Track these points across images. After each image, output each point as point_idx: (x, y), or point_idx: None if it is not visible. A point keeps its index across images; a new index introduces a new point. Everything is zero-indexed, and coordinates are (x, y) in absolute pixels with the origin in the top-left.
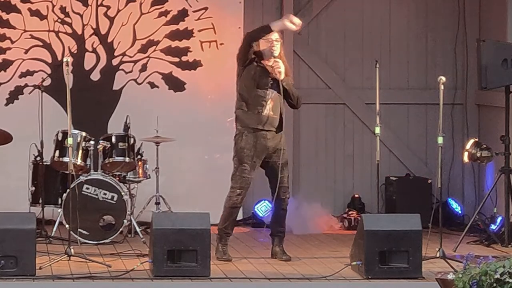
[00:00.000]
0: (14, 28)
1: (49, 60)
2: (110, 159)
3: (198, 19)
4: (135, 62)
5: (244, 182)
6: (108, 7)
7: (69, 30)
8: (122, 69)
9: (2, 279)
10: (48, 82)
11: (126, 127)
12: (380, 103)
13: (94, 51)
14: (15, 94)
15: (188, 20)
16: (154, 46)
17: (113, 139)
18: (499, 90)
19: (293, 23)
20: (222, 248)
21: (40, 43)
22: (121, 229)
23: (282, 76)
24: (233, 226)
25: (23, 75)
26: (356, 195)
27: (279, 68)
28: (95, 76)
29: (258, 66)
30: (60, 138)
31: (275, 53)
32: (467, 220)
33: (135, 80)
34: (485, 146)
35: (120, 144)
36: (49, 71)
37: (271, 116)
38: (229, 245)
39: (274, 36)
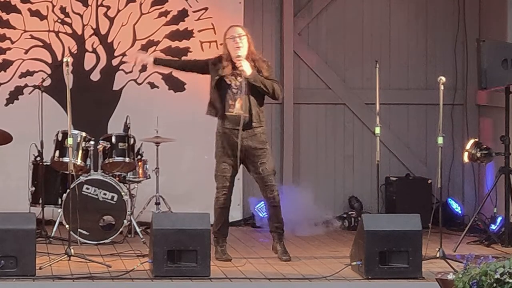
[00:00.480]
0: (14, 28)
1: (49, 60)
2: (110, 159)
3: (198, 19)
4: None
5: (226, 181)
6: (108, 7)
7: (69, 30)
8: (122, 69)
9: (2, 279)
10: (48, 82)
11: (126, 127)
12: (380, 103)
13: (94, 51)
14: (15, 94)
15: (188, 21)
16: (154, 46)
17: (113, 139)
18: (499, 90)
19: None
20: (220, 249)
21: (40, 43)
22: (121, 229)
23: (248, 73)
24: (227, 226)
25: (23, 75)
26: (356, 195)
27: (242, 66)
28: (95, 76)
29: (218, 69)
30: (60, 138)
31: (240, 51)
32: (467, 220)
33: (135, 80)
34: (485, 146)
35: (120, 144)
36: (49, 71)
37: (241, 115)
38: (228, 244)
39: (237, 31)
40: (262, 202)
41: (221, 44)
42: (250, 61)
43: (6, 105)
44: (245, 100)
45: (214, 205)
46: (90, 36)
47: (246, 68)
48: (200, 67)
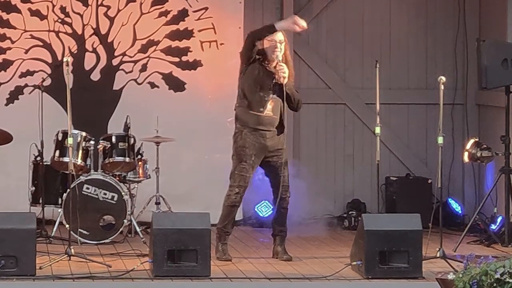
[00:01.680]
0: (14, 28)
1: (49, 60)
2: (110, 159)
3: (198, 19)
4: (135, 62)
5: (243, 181)
6: (108, 7)
7: (69, 30)
8: (122, 69)
9: (2, 279)
10: (48, 82)
11: (126, 127)
12: (380, 103)
13: (94, 51)
14: (15, 94)
15: (188, 20)
16: (154, 46)
17: (113, 139)
18: (499, 90)
19: (298, 24)
20: (222, 248)
21: (40, 43)
22: (121, 229)
23: (286, 81)
24: (232, 225)
25: (23, 75)
26: (356, 195)
27: (284, 73)
28: (95, 76)
29: (261, 66)
30: (60, 138)
31: (277, 55)
32: (467, 220)
33: (135, 80)
34: (485, 146)
35: (120, 144)
36: (49, 71)
37: (271, 117)
38: (229, 244)
39: (278, 37)
40: (263, 201)
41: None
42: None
43: (6, 105)
44: (276, 103)
45: (224, 202)
46: (90, 36)
47: (286, 74)
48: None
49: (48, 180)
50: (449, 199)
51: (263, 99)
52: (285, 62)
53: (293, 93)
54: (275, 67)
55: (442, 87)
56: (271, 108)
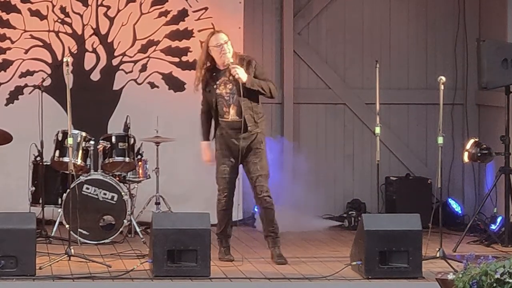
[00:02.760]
0: (14, 28)
1: (49, 60)
2: (110, 159)
3: (198, 19)
4: (135, 62)
5: (226, 183)
6: (108, 7)
7: (69, 30)
8: (122, 69)
9: (2, 279)
10: (48, 82)
11: (126, 127)
12: (380, 103)
13: (94, 51)
14: (15, 94)
15: (188, 20)
16: (154, 46)
17: (113, 139)
18: (499, 90)
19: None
20: (223, 249)
21: (40, 43)
22: (121, 229)
23: (244, 79)
24: (230, 228)
25: (23, 75)
26: (356, 195)
27: (237, 74)
28: (95, 76)
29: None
30: (60, 138)
31: (227, 57)
32: (467, 220)
33: (135, 80)
34: (485, 146)
35: (120, 144)
36: (49, 71)
37: (236, 121)
38: (231, 246)
39: (221, 38)
40: None
41: (206, 52)
42: (240, 64)
43: (6, 105)
44: (237, 106)
45: (216, 207)
46: (90, 36)
47: (242, 75)
48: (210, 102)
49: (48, 180)
50: (449, 199)
51: (223, 107)
52: (237, 58)
53: (258, 84)
54: (229, 71)
55: (442, 87)
56: (233, 112)
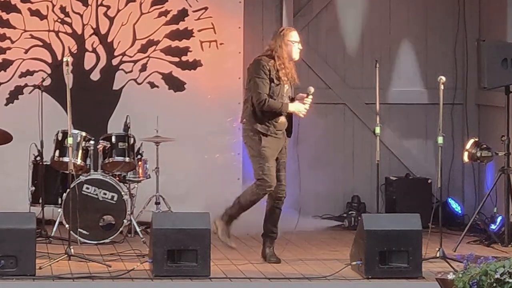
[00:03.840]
0: (14, 28)
1: (49, 60)
2: (110, 159)
3: (198, 19)
4: (135, 62)
5: (273, 180)
6: (108, 7)
7: (69, 30)
8: (122, 69)
9: (2, 279)
10: (48, 82)
11: (126, 127)
12: (380, 103)
13: (94, 51)
14: (15, 94)
15: (188, 20)
16: (154, 46)
17: (113, 139)
18: (499, 90)
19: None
20: (227, 228)
21: (40, 43)
22: (121, 229)
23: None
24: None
25: (23, 75)
26: (356, 195)
27: (303, 111)
28: (95, 76)
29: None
30: (60, 138)
31: (294, 55)
32: (467, 220)
33: (135, 80)
34: (485, 146)
35: (120, 144)
36: (49, 71)
37: (284, 123)
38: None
39: (296, 37)
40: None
41: (274, 44)
42: (293, 68)
43: (6, 105)
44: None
45: (248, 196)
46: (90, 35)
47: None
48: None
49: (48, 180)
50: (449, 199)
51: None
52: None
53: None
54: (297, 107)
55: (442, 87)
56: (285, 114)
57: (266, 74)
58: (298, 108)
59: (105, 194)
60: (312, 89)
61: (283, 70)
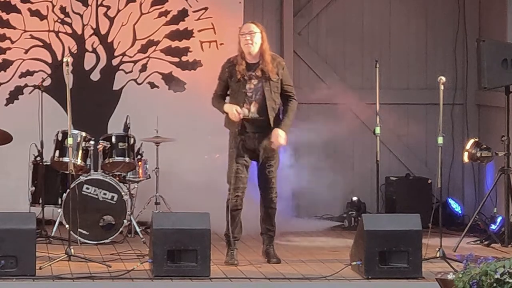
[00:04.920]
0: (14, 28)
1: (49, 60)
2: (110, 159)
3: (198, 19)
4: (135, 62)
5: (240, 182)
6: (108, 7)
7: (69, 30)
8: (122, 69)
9: (2, 279)
10: (48, 82)
11: (126, 127)
12: (380, 103)
13: (94, 51)
14: (15, 94)
15: (188, 20)
16: (154, 46)
17: (113, 139)
18: (499, 90)
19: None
20: (230, 253)
21: (40, 43)
22: (121, 229)
23: (284, 140)
24: (240, 229)
25: (23, 75)
26: (356, 195)
27: (280, 144)
28: (95, 76)
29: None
30: (60, 138)
31: (249, 48)
32: (467, 220)
33: (135, 80)
34: (485, 146)
35: (120, 144)
36: (49, 71)
37: (256, 119)
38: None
39: (250, 28)
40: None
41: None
42: (263, 62)
43: (6, 105)
44: (261, 103)
45: (226, 208)
46: (90, 36)
47: (283, 140)
48: (226, 88)
49: (48, 180)
50: (449, 199)
51: (245, 101)
52: (264, 54)
53: (290, 125)
54: (270, 141)
55: (442, 87)
56: (255, 110)
57: (222, 73)
58: (230, 109)
59: (105, 194)
60: (246, 111)
61: (237, 65)
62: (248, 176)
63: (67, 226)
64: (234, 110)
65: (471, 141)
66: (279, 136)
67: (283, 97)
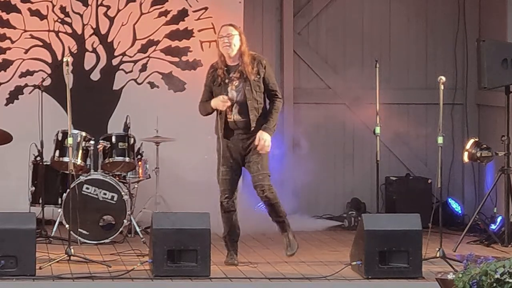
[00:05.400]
0: (14, 28)
1: (49, 60)
2: (110, 159)
3: (198, 19)
4: (135, 62)
5: (227, 184)
6: (108, 7)
7: (69, 30)
8: (122, 69)
9: (2, 279)
10: (48, 82)
11: (126, 127)
12: (380, 103)
13: (94, 51)
14: (15, 94)
15: (188, 20)
16: (154, 46)
17: (113, 139)
18: (499, 90)
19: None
20: (230, 254)
21: (40, 43)
22: (121, 229)
23: (269, 144)
24: (237, 230)
25: (23, 75)
26: (356, 195)
27: (266, 147)
28: (95, 76)
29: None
30: (60, 138)
31: (228, 50)
32: (467, 220)
33: (135, 80)
34: (485, 146)
35: (120, 144)
36: (49, 71)
37: (239, 121)
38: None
39: (227, 30)
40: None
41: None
42: (242, 64)
43: (6, 105)
44: (242, 104)
45: (220, 211)
46: (90, 35)
47: (268, 144)
48: (211, 93)
49: (48, 180)
50: (449, 199)
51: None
52: (243, 56)
53: (274, 124)
54: (257, 144)
55: (442, 87)
56: (236, 111)
57: (206, 79)
58: (216, 101)
59: (105, 194)
60: (234, 93)
61: (218, 69)
62: (238, 177)
63: (67, 226)
64: (220, 99)
65: (471, 141)
66: (264, 140)
67: (268, 96)
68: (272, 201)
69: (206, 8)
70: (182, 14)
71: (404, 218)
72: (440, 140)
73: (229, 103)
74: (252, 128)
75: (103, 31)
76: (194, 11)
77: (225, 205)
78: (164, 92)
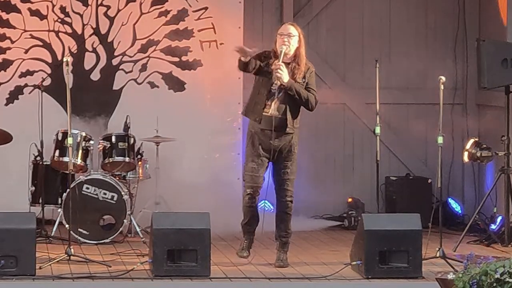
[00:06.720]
0: (14, 28)
1: (49, 60)
2: (110, 159)
3: (198, 19)
4: (135, 62)
5: (253, 181)
6: (108, 7)
7: (69, 30)
8: (122, 69)
9: (2, 279)
10: (48, 82)
11: (126, 127)
12: (380, 103)
13: (94, 51)
14: (15, 94)
15: (188, 20)
16: (154, 46)
17: (113, 139)
18: (499, 90)
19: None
20: (244, 243)
21: (40, 43)
22: (121, 229)
23: (285, 80)
24: (254, 222)
25: (23, 75)
26: (356, 195)
27: (279, 74)
28: (95, 76)
29: (262, 71)
30: (60, 138)
31: (284, 48)
32: (467, 220)
33: (135, 80)
34: (485, 146)
35: (120, 144)
36: (49, 71)
37: (276, 117)
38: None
39: (288, 30)
40: (262, 202)
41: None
42: (295, 63)
43: (6, 104)
44: (282, 102)
45: (242, 202)
46: (90, 35)
47: (284, 75)
48: (256, 61)
49: (48, 180)
50: (449, 199)
51: (266, 99)
52: (297, 58)
53: (297, 90)
54: (273, 69)
55: (442, 87)
56: (275, 107)
57: (261, 53)
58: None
59: (105, 194)
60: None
61: (273, 58)
62: (264, 174)
63: (67, 226)
64: (274, 71)
65: (471, 141)
66: (282, 72)
67: None
68: (289, 210)
69: (206, 8)
70: (182, 14)
71: (404, 218)
72: (440, 140)
73: (250, 51)
74: (288, 128)
75: (103, 31)
76: (194, 11)
77: (247, 200)
78: (164, 92)
